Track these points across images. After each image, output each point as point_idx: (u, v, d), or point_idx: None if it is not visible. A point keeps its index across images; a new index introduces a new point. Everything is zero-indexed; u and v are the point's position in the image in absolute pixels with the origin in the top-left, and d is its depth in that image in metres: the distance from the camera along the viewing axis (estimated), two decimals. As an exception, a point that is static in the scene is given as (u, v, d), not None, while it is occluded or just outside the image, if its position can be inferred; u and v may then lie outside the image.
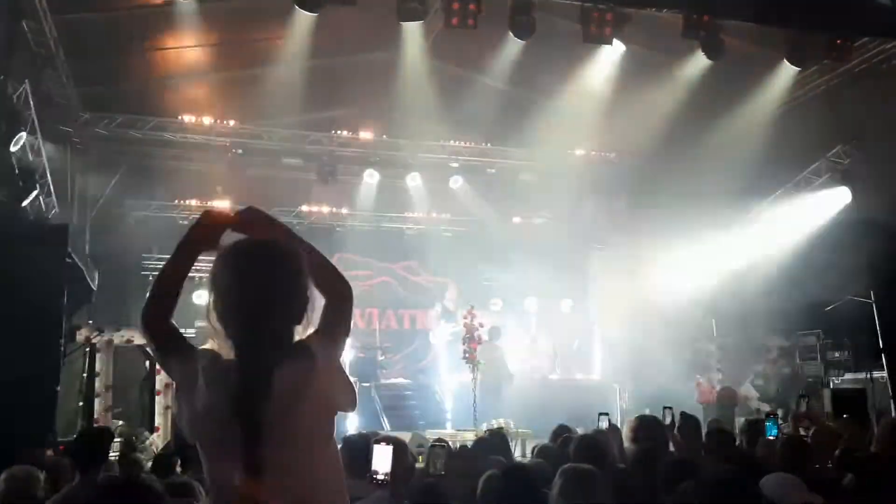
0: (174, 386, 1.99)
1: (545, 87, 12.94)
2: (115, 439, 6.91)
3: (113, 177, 13.75)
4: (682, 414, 6.49)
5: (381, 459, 2.87)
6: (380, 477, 2.85)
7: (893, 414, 9.35)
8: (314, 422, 1.86)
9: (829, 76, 11.62)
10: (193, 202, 15.21)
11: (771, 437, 4.79)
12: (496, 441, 4.96)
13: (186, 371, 1.88)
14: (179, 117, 13.87)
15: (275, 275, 1.92)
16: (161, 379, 10.82)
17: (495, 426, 9.54)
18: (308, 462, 1.85)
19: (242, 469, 1.73)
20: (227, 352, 1.89)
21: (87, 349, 10.74)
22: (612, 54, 11.22)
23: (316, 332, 1.98)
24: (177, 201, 15.09)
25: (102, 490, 2.80)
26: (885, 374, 10.82)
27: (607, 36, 10.01)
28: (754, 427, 5.03)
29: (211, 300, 1.92)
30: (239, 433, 1.75)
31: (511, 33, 10.14)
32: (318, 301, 2.01)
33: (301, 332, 1.96)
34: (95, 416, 10.46)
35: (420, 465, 4.21)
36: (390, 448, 2.90)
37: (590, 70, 11.83)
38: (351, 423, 12.39)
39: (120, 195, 13.99)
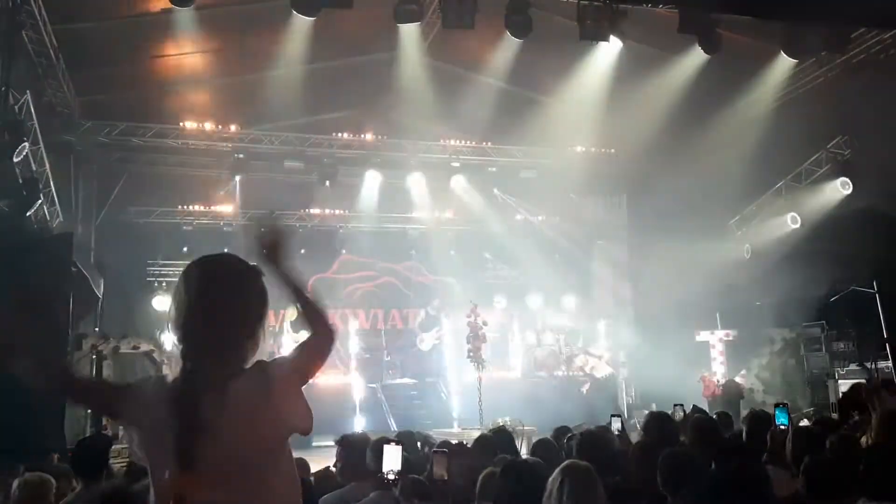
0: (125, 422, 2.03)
1: (544, 85, 12.97)
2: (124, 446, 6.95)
3: (116, 185, 13.83)
4: (694, 408, 6.53)
5: (392, 459, 2.93)
6: (391, 477, 2.90)
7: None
8: (262, 440, 1.89)
9: (828, 68, 11.61)
10: (197, 208, 15.30)
11: (782, 426, 4.79)
12: (501, 438, 4.97)
13: (126, 406, 1.93)
14: (181, 124, 13.92)
15: (225, 291, 1.97)
16: None
17: (500, 423, 9.56)
18: (254, 477, 1.88)
19: (177, 471, 1.78)
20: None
21: (94, 356, 10.81)
22: (609, 51, 11.22)
23: (287, 357, 2.03)
24: (180, 207, 15.16)
25: (105, 499, 2.83)
26: (889, 363, 10.83)
27: (604, 32, 10.02)
28: (758, 418, 5.03)
29: (170, 313, 1.98)
30: (177, 445, 1.80)
31: (508, 32, 10.16)
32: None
33: (254, 349, 1.99)
34: (104, 423, 10.52)
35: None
36: (400, 448, 2.96)
37: (588, 67, 11.85)
38: (358, 424, 12.49)
39: (123, 203, 14.08)
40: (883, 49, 10.87)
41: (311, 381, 2.09)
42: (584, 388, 14.43)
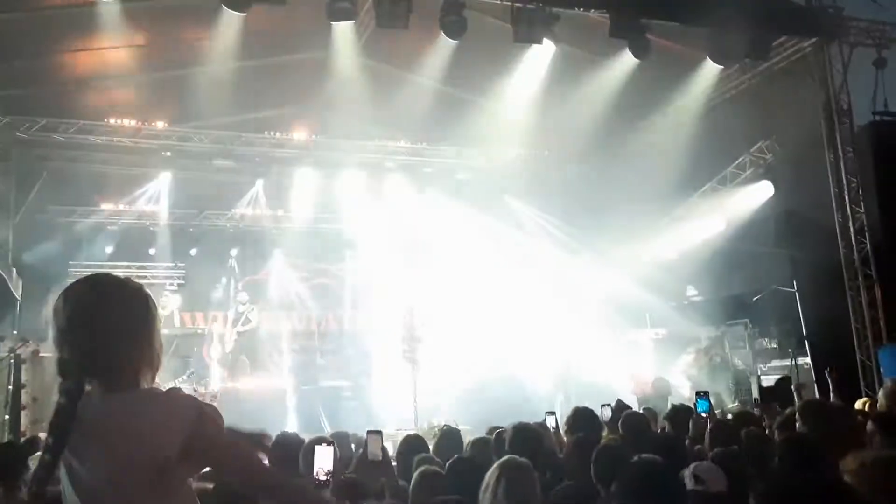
0: None
1: (479, 87, 13.06)
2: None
3: (35, 182, 13.30)
4: (618, 401, 6.68)
5: (324, 460, 2.91)
6: (322, 478, 2.88)
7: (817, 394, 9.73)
8: (144, 461, 1.80)
9: (751, 74, 12.04)
10: (122, 207, 14.86)
11: (703, 414, 4.96)
12: (449, 440, 4.97)
13: None
14: (105, 120, 13.49)
15: (99, 310, 1.92)
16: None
17: (436, 424, 9.59)
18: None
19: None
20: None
21: (12, 360, 10.38)
22: (543, 54, 11.37)
23: (214, 429, 1.92)
24: (104, 206, 14.70)
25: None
26: (808, 360, 11.27)
27: (537, 35, 10.14)
28: (680, 411, 5.20)
29: (51, 337, 1.93)
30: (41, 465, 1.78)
31: (443, 33, 10.18)
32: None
33: (144, 366, 1.94)
34: (23, 429, 10.11)
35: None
36: (331, 448, 2.94)
37: (522, 69, 11.97)
38: (291, 426, 12.30)
39: (44, 201, 13.55)
40: (802, 57, 11.32)
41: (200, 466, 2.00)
42: (519, 388, 14.56)
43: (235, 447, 1.97)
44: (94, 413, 1.82)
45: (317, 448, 2.88)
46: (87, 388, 1.87)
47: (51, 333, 1.92)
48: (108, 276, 2.02)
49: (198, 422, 1.85)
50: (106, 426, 1.81)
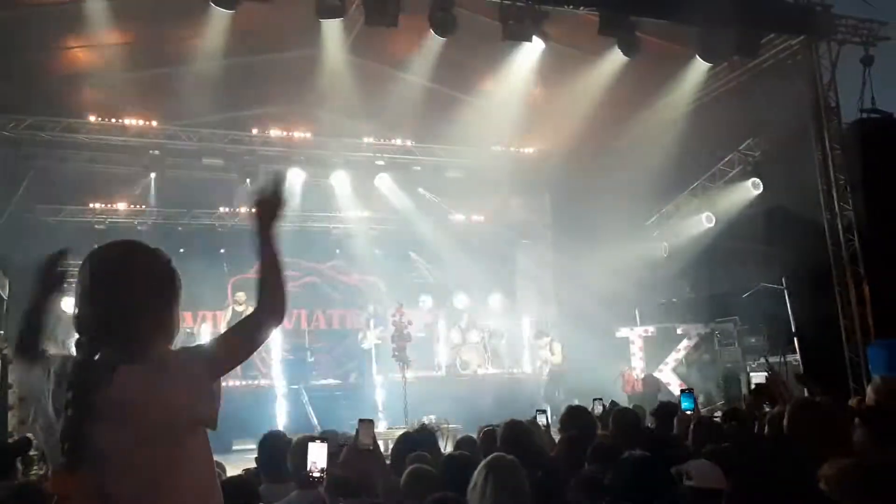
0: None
1: (468, 84, 13.06)
2: (33, 452, 6.64)
3: (22, 181, 13.19)
4: (612, 402, 6.70)
5: (318, 457, 2.90)
6: (315, 474, 2.87)
7: (805, 394, 9.76)
8: (153, 427, 1.81)
9: (739, 72, 12.08)
10: (110, 206, 14.77)
11: (688, 412, 4.98)
12: (423, 437, 4.97)
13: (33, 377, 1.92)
14: (93, 118, 13.39)
15: (118, 276, 1.94)
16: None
17: (426, 423, 9.57)
18: (148, 469, 1.81)
19: (63, 463, 1.74)
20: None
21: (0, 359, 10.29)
22: (532, 51, 11.37)
23: (211, 341, 2.02)
24: (91, 205, 14.61)
25: (16, 495, 2.73)
26: (797, 357, 11.32)
27: (526, 33, 10.15)
28: (665, 408, 5.21)
29: (74, 307, 1.94)
30: (64, 436, 1.76)
31: (432, 31, 10.16)
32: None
33: (161, 334, 1.96)
34: (10, 430, 10.02)
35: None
36: (325, 445, 2.93)
37: (511, 67, 11.97)
38: (280, 426, 12.26)
39: (30, 200, 13.44)
40: (790, 55, 11.37)
41: (233, 367, 2.05)
42: (510, 387, 14.57)
43: (230, 334, 2.06)
44: (113, 380, 1.80)
45: (311, 445, 2.87)
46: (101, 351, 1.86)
47: (74, 291, 1.93)
48: (137, 242, 2.03)
49: (211, 367, 1.92)
50: (120, 392, 1.80)
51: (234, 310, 14.51)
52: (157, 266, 1.98)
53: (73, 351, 1.89)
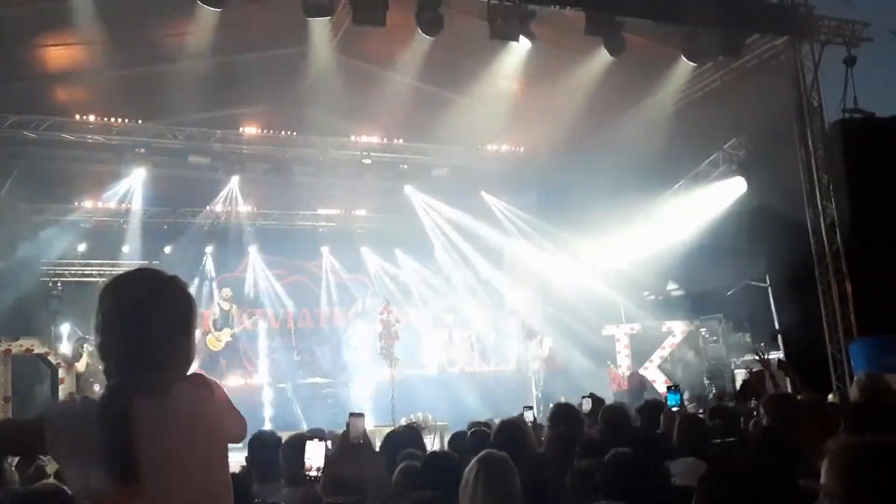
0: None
1: (455, 83, 13.07)
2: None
3: (6, 180, 13.07)
4: (593, 399, 6.73)
5: (315, 455, 2.91)
6: (312, 473, 2.88)
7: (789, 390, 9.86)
8: (204, 447, 1.92)
9: (724, 71, 12.18)
10: (95, 204, 14.69)
11: (674, 408, 5.02)
12: (409, 435, 4.99)
13: (49, 439, 1.87)
14: (77, 116, 13.30)
15: (156, 305, 1.96)
16: (64, 388, 10.41)
17: (413, 420, 9.62)
18: (196, 484, 1.89)
19: (120, 486, 1.75)
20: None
21: (-17, 360, 10.23)
22: (519, 51, 11.41)
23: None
24: (75, 204, 14.51)
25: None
26: (781, 354, 11.44)
27: (513, 32, 10.17)
28: (651, 405, 5.26)
29: (96, 329, 1.94)
30: (117, 460, 1.76)
31: (419, 30, 10.17)
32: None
33: (190, 358, 2.02)
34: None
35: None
36: (323, 444, 2.94)
37: (498, 66, 12.00)
38: (268, 425, 12.26)
39: (14, 199, 13.33)
40: (774, 55, 11.48)
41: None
42: (496, 384, 14.63)
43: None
44: (157, 401, 1.85)
45: (308, 443, 2.88)
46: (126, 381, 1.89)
47: (98, 328, 1.93)
48: (158, 271, 2.08)
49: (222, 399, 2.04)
50: (172, 412, 1.86)
51: (220, 308, 14.48)
52: (179, 293, 2.02)
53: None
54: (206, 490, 1.91)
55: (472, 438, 4.81)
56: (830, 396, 6.87)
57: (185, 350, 1.99)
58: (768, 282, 11.77)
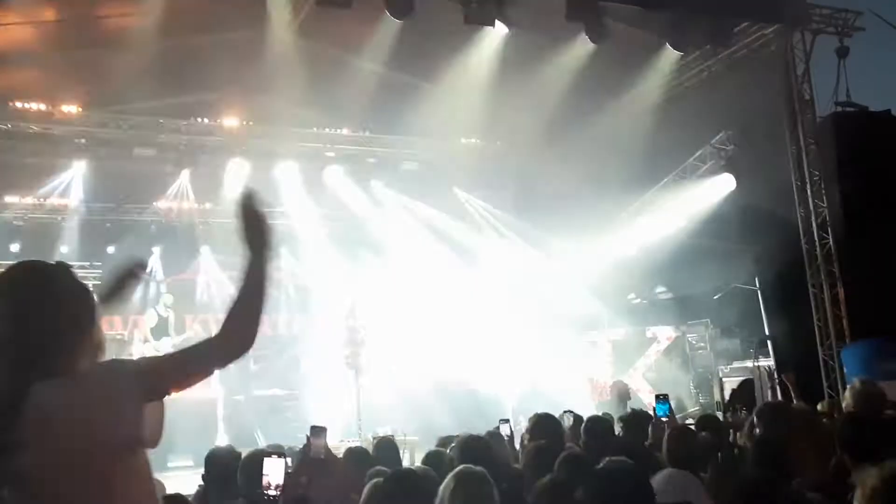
0: None
1: (427, 71, 13.04)
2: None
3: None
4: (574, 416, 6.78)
5: (274, 473, 2.89)
6: (272, 492, 2.87)
7: (780, 398, 10.02)
8: (76, 452, 1.82)
9: (711, 61, 12.31)
10: (28, 200, 14.45)
11: (663, 418, 5.09)
12: (383, 452, 4.98)
13: None
14: (12, 104, 13.06)
15: (28, 297, 1.94)
16: None
17: (381, 435, 9.57)
18: (82, 495, 1.82)
19: None
20: None
21: None
22: (495, 37, 11.42)
23: (155, 357, 2.09)
24: (8, 199, 14.26)
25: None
26: (771, 361, 11.60)
27: (489, 17, 10.20)
28: (637, 417, 5.32)
29: None
30: None
31: (387, 12, 10.14)
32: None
33: (87, 349, 1.98)
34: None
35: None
36: (282, 461, 2.92)
37: (472, 53, 12.01)
38: (221, 440, 12.15)
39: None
40: (764, 44, 11.62)
41: (177, 390, 2.06)
42: (471, 396, 14.63)
43: (179, 354, 2.12)
44: (37, 401, 1.81)
45: (266, 460, 2.86)
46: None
47: None
48: (42, 262, 2.05)
49: (140, 383, 1.92)
50: (52, 417, 1.81)
51: (158, 314, 14.24)
52: (70, 283, 2.01)
53: None
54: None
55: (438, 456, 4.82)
56: (820, 406, 6.99)
57: (78, 341, 1.95)
58: (758, 284, 11.93)
